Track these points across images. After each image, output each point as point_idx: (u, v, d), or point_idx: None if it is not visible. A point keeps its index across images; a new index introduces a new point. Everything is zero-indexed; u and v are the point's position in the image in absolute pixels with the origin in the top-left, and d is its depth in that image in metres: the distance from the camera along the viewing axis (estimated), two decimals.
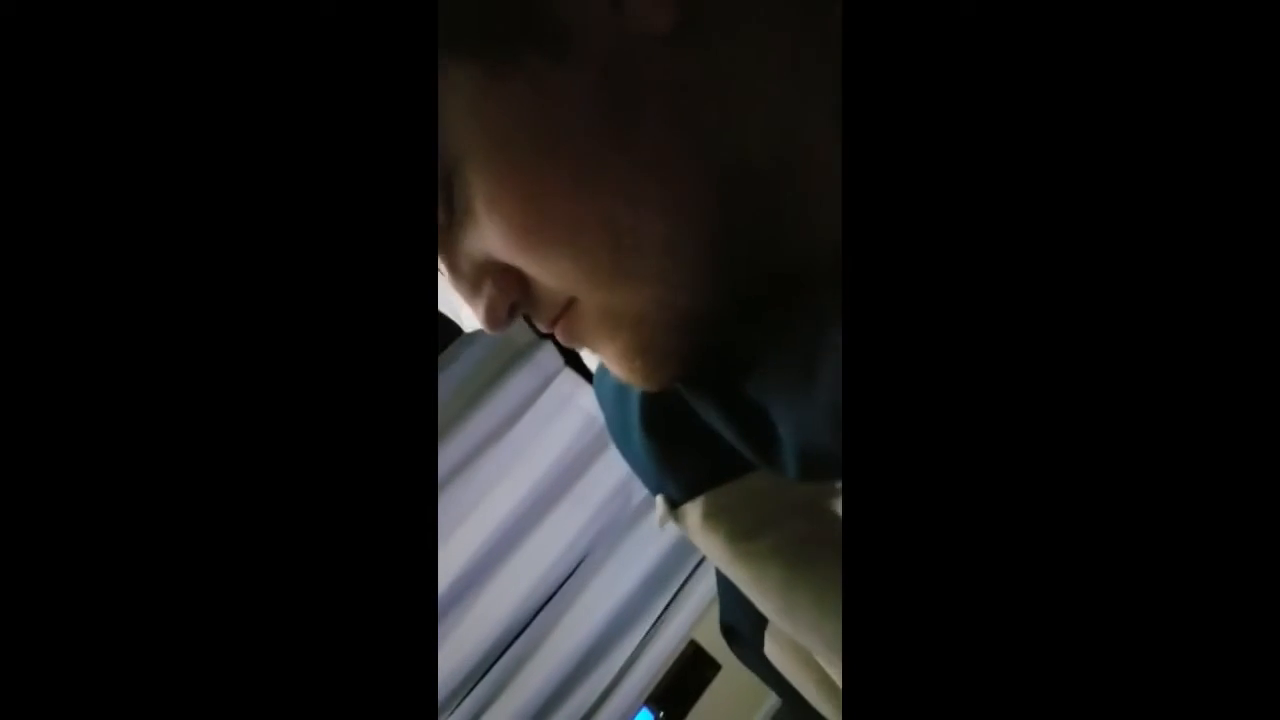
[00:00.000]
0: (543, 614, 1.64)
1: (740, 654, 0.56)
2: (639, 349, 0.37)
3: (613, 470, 1.65)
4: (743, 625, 0.54)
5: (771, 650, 0.52)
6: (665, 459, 0.45)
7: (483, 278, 0.36)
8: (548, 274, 0.35)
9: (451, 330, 1.61)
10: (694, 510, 0.44)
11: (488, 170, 0.32)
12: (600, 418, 1.59)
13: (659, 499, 0.46)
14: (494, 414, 1.56)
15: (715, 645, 1.80)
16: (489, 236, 0.34)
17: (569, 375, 1.62)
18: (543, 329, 0.38)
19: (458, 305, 1.62)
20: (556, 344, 1.61)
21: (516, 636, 1.62)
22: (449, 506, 1.50)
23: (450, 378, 1.54)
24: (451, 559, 1.54)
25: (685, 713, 1.81)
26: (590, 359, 1.52)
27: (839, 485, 0.43)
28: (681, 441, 0.44)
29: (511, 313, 0.37)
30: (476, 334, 1.59)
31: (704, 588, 1.75)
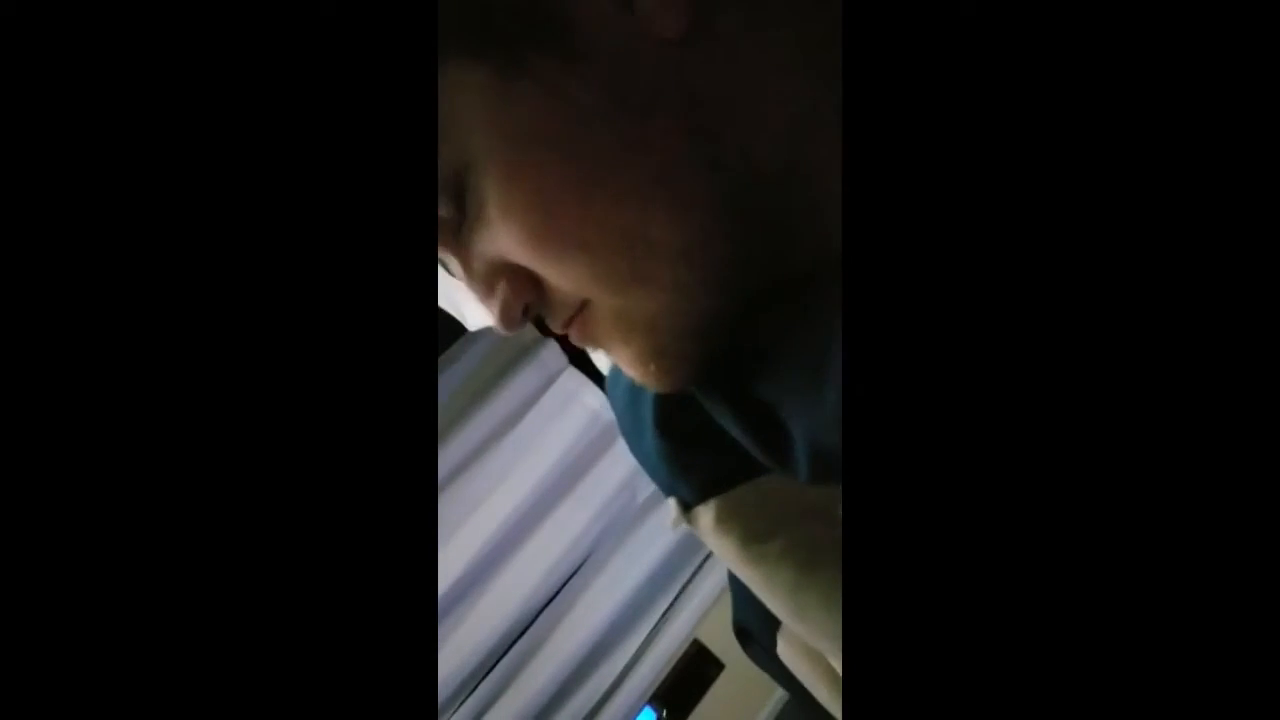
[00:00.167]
0: (546, 612, 1.64)
1: (753, 654, 0.56)
2: (653, 353, 0.37)
3: (616, 468, 1.65)
4: (755, 625, 0.53)
5: (784, 651, 0.51)
6: (678, 460, 0.45)
7: (496, 278, 0.35)
8: (560, 277, 0.35)
9: (455, 328, 1.61)
10: (707, 513, 0.44)
11: (498, 173, 0.32)
12: (604, 415, 1.60)
13: (671, 501, 0.45)
14: (497, 412, 1.56)
15: (719, 644, 1.80)
16: (501, 238, 0.34)
17: (573, 373, 1.62)
18: (556, 330, 0.38)
19: (461, 303, 1.61)
20: (560, 342, 1.61)
21: (520, 635, 1.61)
22: (452, 505, 1.50)
23: (453, 376, 1.54)
24: (455, 557, 1.53)
25: (688, 712, 1.81)
26: (596, 358, 1.53)
27: None
28: (695, 443, 0.44)
29: (526, 313, 0.36)
30: (480, 332, 1.59)
31: (707, 586, 1.75)
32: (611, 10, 0.31)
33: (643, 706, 1.76)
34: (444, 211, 0.34)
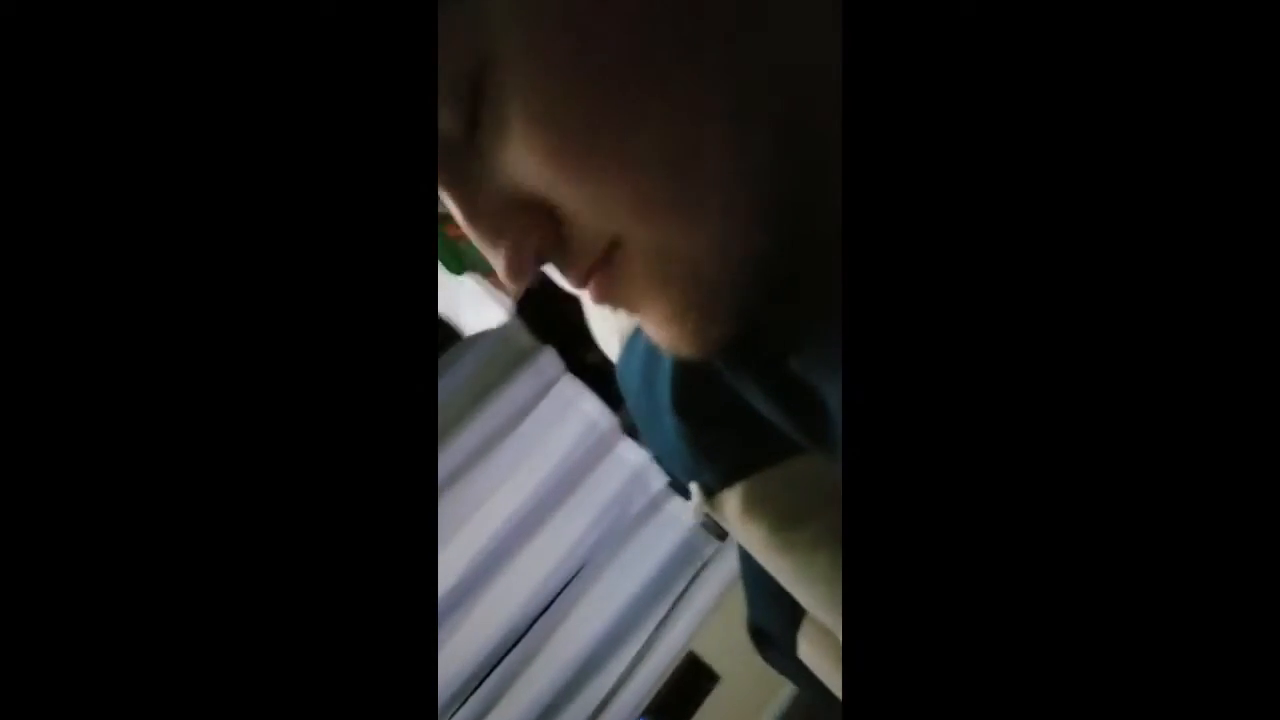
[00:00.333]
0: (540, 623, 1.62)
1: (770, 657, 0.54)
2: (691, 304, 0.31)
3: (613, 477, 1.64)
4: (773, 626, 0.51)
5: (806, 651, 0.49)
6: (700, 443, 0.43)
7: (507, 215, 0.30)
8: (594, 206, 0.29)
9: (450, 334, 1.60)
10: (733, 498, 0.42)
11: (528, 72, 0.27)
12: (601, 423, 1.57)
13: (694, 487, 0.43)
14: (494, 419, 1.55)
15: (714, 656, 1.78)
16: (521, 159, 0.29)
17: (570, 380, 1.61)
18: (572, 285, 0.33)
19: (457, 308, 1.60)
20: (558, 349, 1.60)
21: (513, 646, 1.59)
22: (447, 512, 1.48)
23: (449, 382, 1.53)
24: (450, 565, 1.52)
25: None
26: (598, 351, 1.51)
27: None
28: (717, 424, 0.42)
29: (538, 260, 0.31)
30: (476, 338, 1.58)
31: (703, 597, 1.74)
32: None
33: (637, 719, 1.74)
34: (448, 125, 0.28)
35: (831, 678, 0.49)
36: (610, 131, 0.28)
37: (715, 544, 1.73)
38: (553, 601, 1.63)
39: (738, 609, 0.57)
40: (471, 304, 1.60)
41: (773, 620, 0.51)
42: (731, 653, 1.76)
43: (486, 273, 1.55)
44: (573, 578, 1.65)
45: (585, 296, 0.33)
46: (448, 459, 1.49)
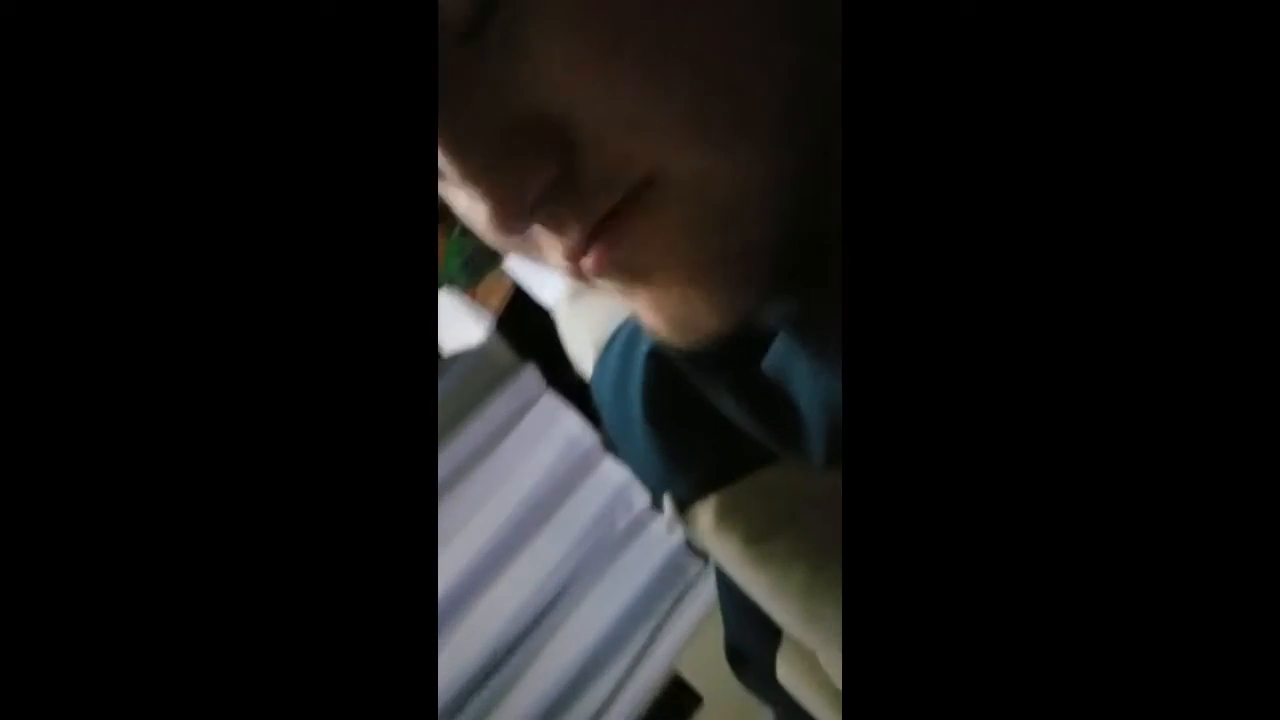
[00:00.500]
0: (523, 645, 1.59)
1: (748, 680, 0.52)
2: (727, 257, 0.26)
3: (596, 496, 1.63)
4: (751, 646, 0.49)
5: (785, 673, 0.47)
6: (671, 453, 0.41)
7: (512, 137, 0.24)
8: (626, 126, 0.24)
9: None
10: (706, 511, 0.40)
11: None
12: (584, 441, 1.56)
13: (666, 500, 0.42)
14: (473, 439, 1.53)
15: (697, 677, 1.76)
16: (540, 66, 0.23)
17: (552, 397, 1.60)
18: (566, 251, 0.26)
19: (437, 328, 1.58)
20: (539, 366, 1.58)
21: (497, 668, 1.57)
22: None
23: None
24: None
25: None
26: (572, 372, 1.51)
27: None
28: (689, 432, 0.40)
29: (543, 199, 0.25)
30: (455, 356, 1.57)
31: (687, 618, 1.72)
32: None
33: None
34: (454, 12, 0.23)
35: (811, 701, 0.47)
36: (654, 33, 0.23)
37: (699, 564, 1.71)
38: (536, 623, 1.61)
39: (721, 630, 0.55)
40: (450, 321, 1.59)
41: (750, 641, 0.49)
42: (715, 674, 1.73)
43: (466, 288, 1.54)
44: (556, 599, 1.63)
45: (579, 268, 0.27)
46: None
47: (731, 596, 0.47)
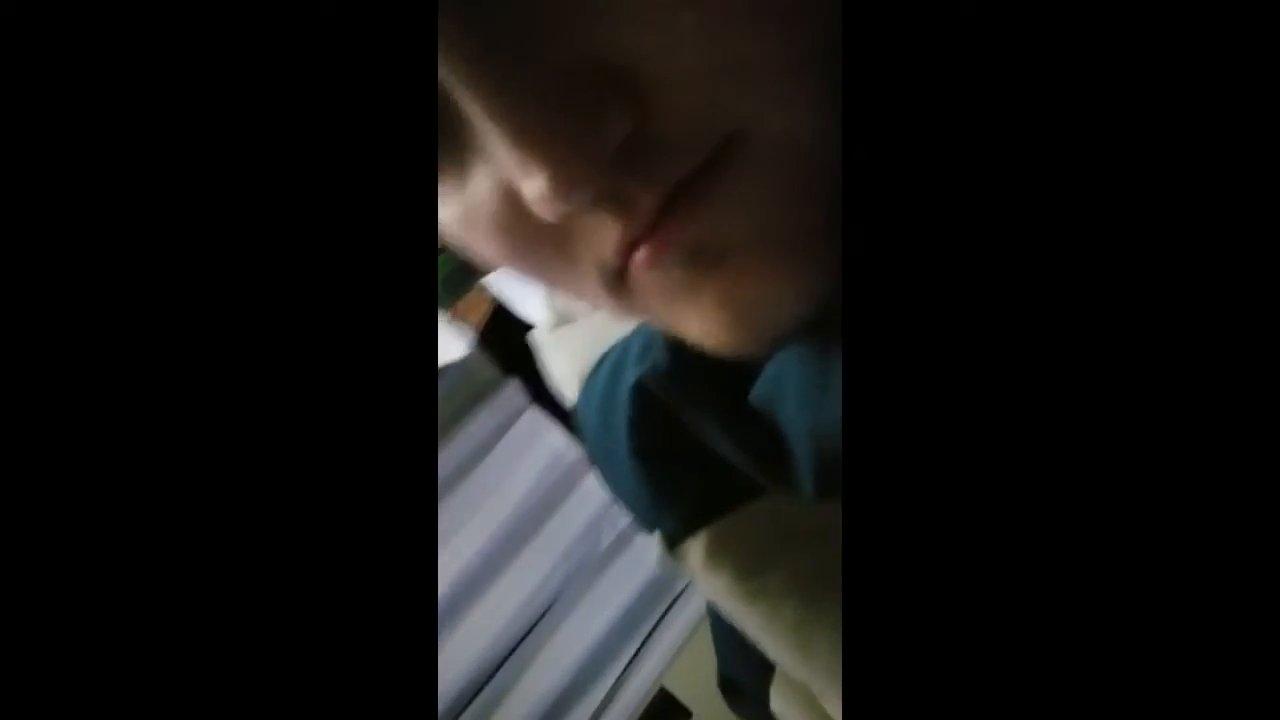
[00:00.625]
0: (510, 661, 1.59)
1: (742, 711, 0.51)
2: (816, 231, 0.22)
3: (581, 511, 1.62)
4: (745, 677, 0.49)
5: (779, 706, 0.47)
6: (659, 487, 0.40)
7: (580, 85, 0.20)
8: (716, 68, 0.20)
9: None
10: (697, 547, 0.39)
11: None
12: (568, 455, 1.55)
13: (656, 538, 0.41)
14: (456, 456, 1.53)
15: (686, 692, 1.75)
16: (611, 8, 0.20)
17: (534, 413, 1.59)
18: (644, 217, 0.22)
19: None
20: (522, 380, 1.57)
21: (483, 685, 1.56)
22: None
23: None
24: None
25: None
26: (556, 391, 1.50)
27: None
28: (676, 466, 0.39)
29: (623, 156, 0.20)
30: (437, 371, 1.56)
31: (674, 633, 1.72)
32: None
33: None
34: None
35: None
36: None
37: (686, 579, 1.71)
38: (523, 639, 1.60)
39: (709, 644, 0.55)
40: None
41: (743, 672, 0.49)
42: (703, 689, 1.73)
43: (446, 305, 1.53)
44: (542, 615, 1.62)
45: (639, 261, 0.23)
46: None
47: (723, 628, 0.46)
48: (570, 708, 1.62)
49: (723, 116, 0.21)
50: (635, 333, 0.41)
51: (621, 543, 1.66)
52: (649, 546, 0.41)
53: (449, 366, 1.56)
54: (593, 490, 1.64)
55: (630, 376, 0.39)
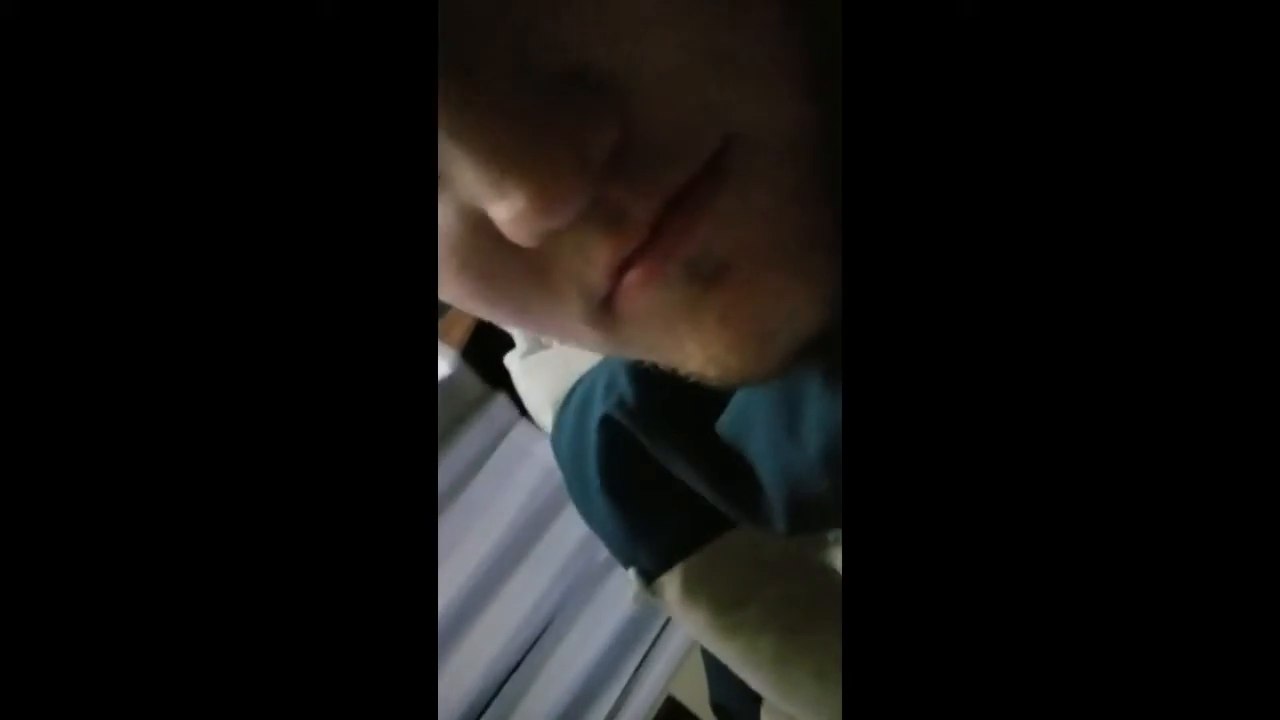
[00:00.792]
0: (514, 678, 1.57)
1: None
2: (830, 232, 0.21)
3: (576, 525, 1.60)
4: (735, 703, 0.48)
5: None
6: (632, 523, 0.40)
7: (561, 96, 0.18)
8: (706, 68, 0.19)
9: None
10: (673, 582, 0.38)
11: None
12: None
13: (631, 574, 0.40)
14: (447, 474, 1.51)
15: (694, 700, 1.75)
16: (593, 12, 0.18)
17: (524, 427, 1.58)
18: (637, 234, 0.20)
19: None
20: (508, 396, 1.56)
21: (489, 703, 1.55)
22: None
23: None
24: None
25: None
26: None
27: (830, 535, 0.38)
28: (648, 501, 0.39)
29: (609, 167, 0.19)
30: None
31: (678, 640, 1.72)
32: None
33: None
34: None
35: None
36: None
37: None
38: (525, 655, 1.59)
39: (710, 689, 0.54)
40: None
41: (733, 698, 0.48)
42: (705, 707, 1.73)
43: None
44: (543, 631, 1.61)
45: (628, 283, 0.21)
46: None
47: (712, 655, 0.46)
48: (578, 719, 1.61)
49: (717, 119, 0.20)
50: (601, 364, 0.40)
51: None
52: (638, 598, 0.40)
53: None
54: None
55: (598, 410, 0.38)
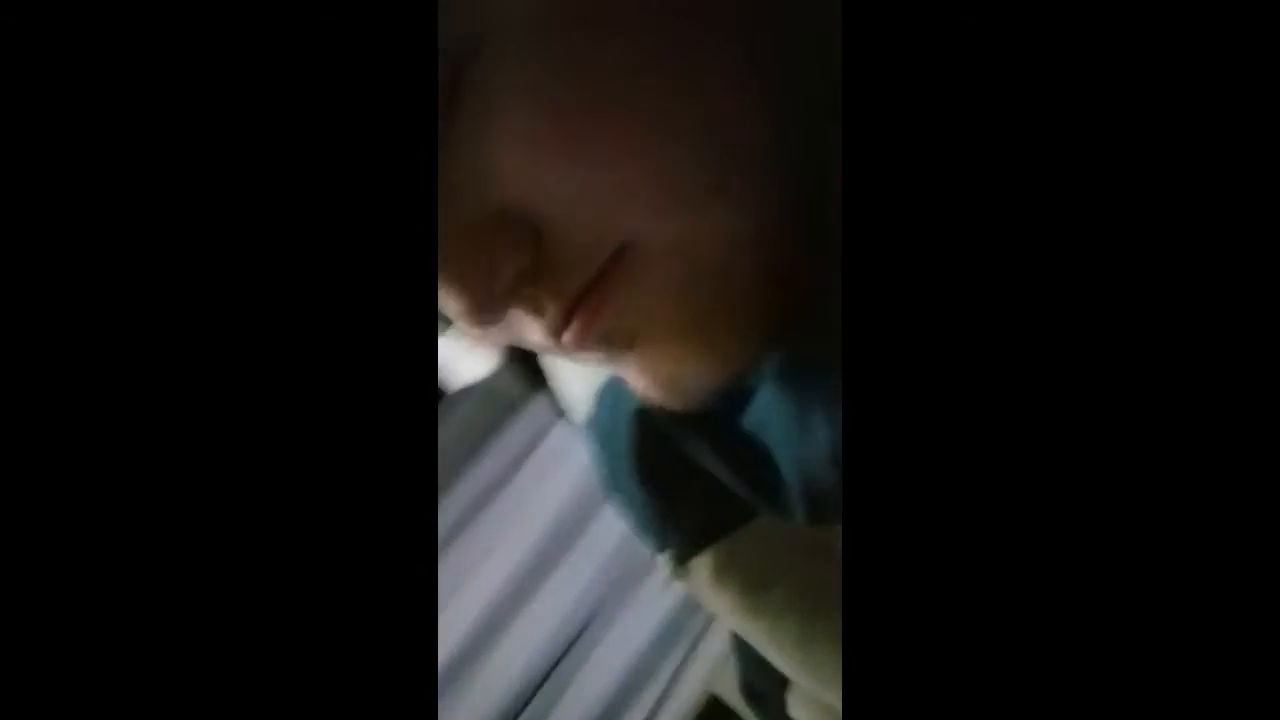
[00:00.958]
0: (553, 677, 1.58)
1: (763, 716, 0.52)
2: (717, 312, 0.25)
3: (616, 522, 1.59)
4: (764, 684, 0.49)
5: (796, 711, 0.47)
6: (664, 511, 0.41)
7: (483, 231, 0.24)
8: (595, 199, 0.24)
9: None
10: (703, 566, 0.40)
11: (533, 49, 0.23)
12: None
13: (664, 558, 0.42)
14: (487, 474, 1.52)
15: (736, 697, 1.73)
16: (504, 154, 0.24)
17: (563, 427, 1.59)
18: (548, 329, 0.26)
19: (443, 364, 1.58)
20: (548, 396, 1.58)
21: (529, 700, 1.55)
22: (447, 572, 1.45)
23: (440, 440, 1.50)
24: (453, 626, 1.49)
25: None
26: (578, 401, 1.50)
27: None
28: (679, 490, 0.41)
29: (516, 287, 0.25)
30: (463, 392, 1.56)
31: (720, 638, 1.70)
32: None
33: None
34: None
35: None
36: (617, 104, 0.23)
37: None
38: (567, 652, 1.59)
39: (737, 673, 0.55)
40: (456, 359, 1.59)
41: (761, 678, 0.49)
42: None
43: None
44: (584, 628, 1.61)
45: (561, 344, 0.27)
46: (442, 518, 1.46)
47: (741, 639, 0.47)
48: (619, 718, 1.61)
49: (613, 233, 0.25)
50: None
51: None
52: (669, 580, 0.42)
53: (474, 387, 1.56)
54: None
55: (630, 403, 0.40)
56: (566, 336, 0.27)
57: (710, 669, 1.70)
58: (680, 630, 1.69)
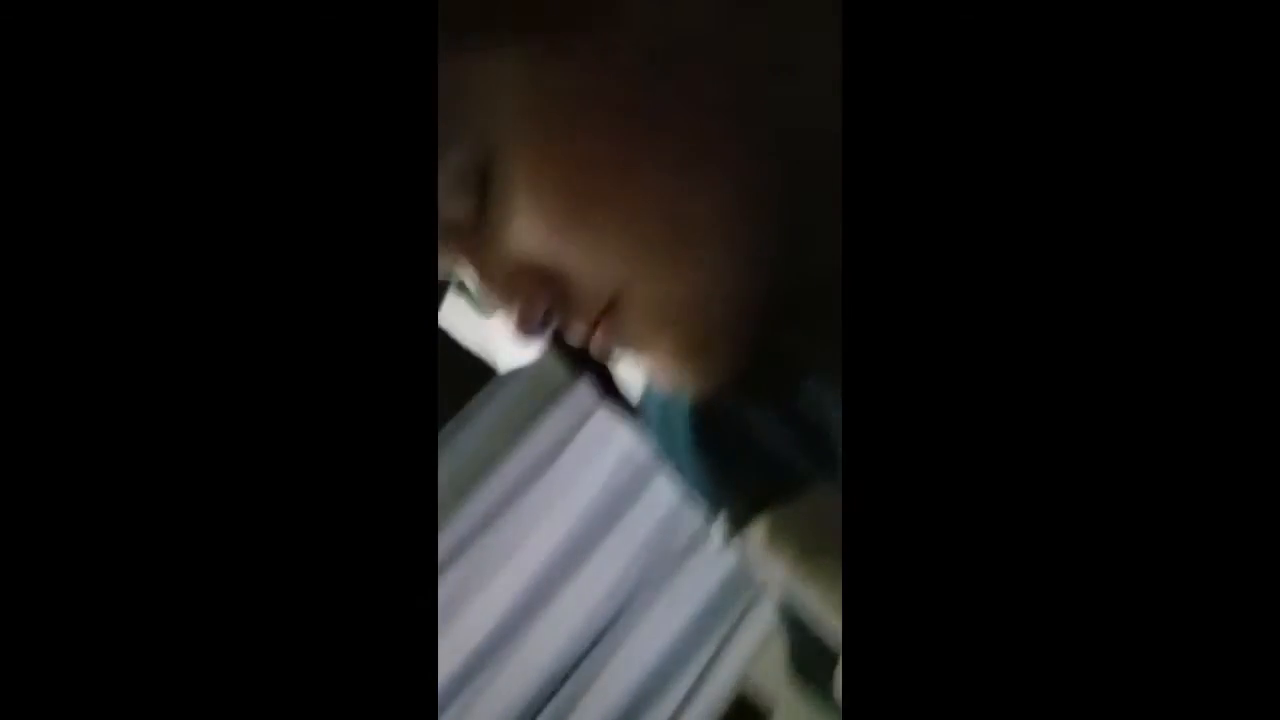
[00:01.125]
0: (584, 664, 1.59)
1: (810, 694, 0.52)
2: (693, 344, 0.34)
3: (655, 509, 1.61)
4: (812, 659, 0.49)
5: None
6: (721, 479, 0.42)
7: (517, 281, 0.33)
8: (594, 263, 0.32)
9: (485, 372, 1.60)
10: (758, 530, 0.40)
11: (531, 156, 0.30)
12: (638, 455, 1.57)
13: (720, 521, 0.42)
14: (528, 458, 1.54)
15: (763, 696, 1.73)
16: (528, 231, 0.32)
17: (605, 413, 1.60)
18: (577, 340, 0.35)
19: (492, 346, 1.60)
20: (593, 380, 1.59)
21: (557, 689, 1.56)
22: (484, 554, 1.47)
23: (483, 420, 1.52)
24: (488, 608, 1.50)
25: None
26: (627, 388, 1.51)
27: None
28: (736, 458, 0.41)
29: (546, 318, 0.34)
30: (509, 375, 1.58)
31: (753, 632, 1.70)
32: None
33: None
34: (461, 211, 0.32)
35: None
36: (607, 197, 0.31)
37: (761, 579, 1.69)
38: (596, 642, 1.60)
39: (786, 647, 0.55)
40: (502, 342, 1.61)
41: (810, 656, 0.49)
42: (783, 689, 1.72)
43: None
44: (616, 617, 1.62)
45: (592, 347, 0.35)
46: (484, 498, 1.48)
47: (790, 616, 0.47)
48: (647, 711, 1.61)
49: (606, 285, 0.33)
50: None
51: (695, 542, 1.65)
52: (724, 544, 0.42)
53: (520, 369, 1.58)
54: (664, 489, 1.64)
55: None
56: (593, 346, 0.35)
57: (742, 663, 1.70)
58: (712, 624, 1.68)
